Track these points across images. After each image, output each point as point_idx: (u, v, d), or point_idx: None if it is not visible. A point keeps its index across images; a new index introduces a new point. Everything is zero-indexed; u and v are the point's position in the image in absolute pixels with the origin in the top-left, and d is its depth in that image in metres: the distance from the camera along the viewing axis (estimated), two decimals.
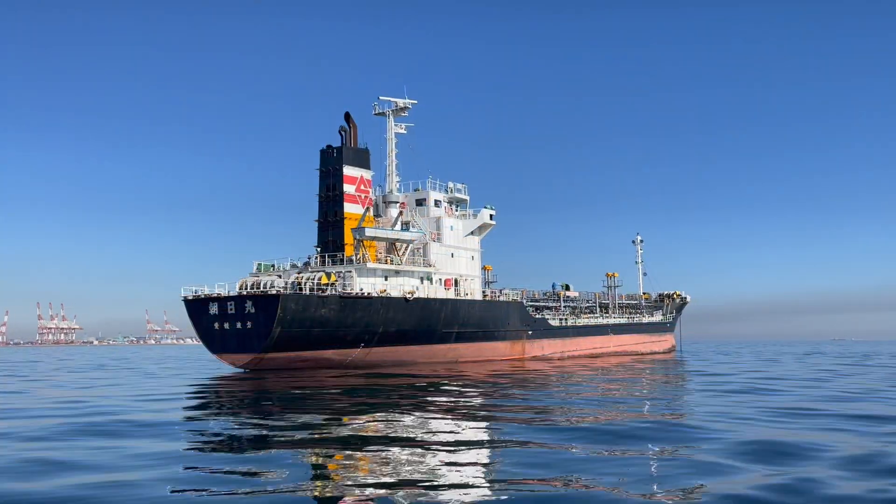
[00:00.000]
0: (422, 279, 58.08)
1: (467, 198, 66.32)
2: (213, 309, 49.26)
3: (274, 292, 47.45)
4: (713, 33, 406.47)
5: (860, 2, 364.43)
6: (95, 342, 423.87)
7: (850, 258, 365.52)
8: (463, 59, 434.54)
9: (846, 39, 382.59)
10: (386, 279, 54.88)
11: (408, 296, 54.20)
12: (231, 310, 48.34)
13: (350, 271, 52.77)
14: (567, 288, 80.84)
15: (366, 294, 51.71)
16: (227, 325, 48.62)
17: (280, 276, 53.06)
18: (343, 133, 58.32)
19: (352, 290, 51.63)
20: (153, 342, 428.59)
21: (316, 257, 55.74)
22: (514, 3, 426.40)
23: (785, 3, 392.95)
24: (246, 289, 51.46)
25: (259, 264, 56.38)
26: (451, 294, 59.90)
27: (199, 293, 50.61)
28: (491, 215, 65.90)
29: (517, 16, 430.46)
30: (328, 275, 50.82)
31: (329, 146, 58.08)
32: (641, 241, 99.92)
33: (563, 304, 77.51)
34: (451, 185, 65.39)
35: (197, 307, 50.25)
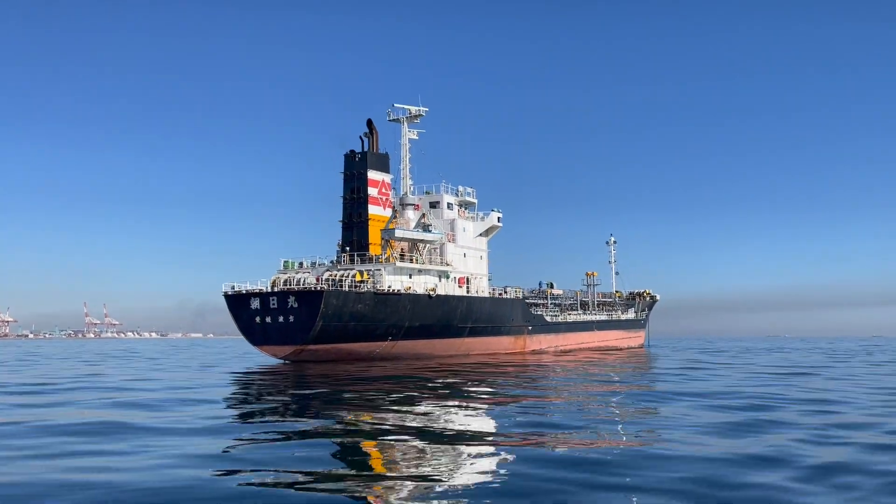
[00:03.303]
0: (440, 277, 62.21)
1: (475, 201, 70.81)
2: (255, 304, 52.15)
3: (318, 288, 50.76)
4: (680, 30, 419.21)
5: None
6: (30, 335, 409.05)
7: (780, 259, 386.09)
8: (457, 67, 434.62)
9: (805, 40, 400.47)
10: (410, 277, 58.78)
11: (430, 293, 58.24)
12: (273, 304, 51.35)
13: (379, 269, 56.42)
14: (551, 286, 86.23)
15: (395, 291, 55.49)
16: (268, 319, 51.61)
17: (309, 273, 56.44)
18: (365, 138, 61.81)
19: (381, 287, 55.30)
20: (92, 336, 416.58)
21: (344, 256, 59.06)
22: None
23: None
24: (279, 285, 54.59)
25: (286, 262, 59.32)
26: (463, 291, 64.24)
27: (241, 289, 53.42)
28: (499, 217, 70.73)
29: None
30: (361, 273, 54.44)
31: (352, 151, 61.48)
32: (615, 241, 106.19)
33: (550, 302, 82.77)
34: (460, 188, 69.70)
35: (238, 302, 53.02)
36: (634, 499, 9.27)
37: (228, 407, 21.82)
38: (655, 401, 22.45)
